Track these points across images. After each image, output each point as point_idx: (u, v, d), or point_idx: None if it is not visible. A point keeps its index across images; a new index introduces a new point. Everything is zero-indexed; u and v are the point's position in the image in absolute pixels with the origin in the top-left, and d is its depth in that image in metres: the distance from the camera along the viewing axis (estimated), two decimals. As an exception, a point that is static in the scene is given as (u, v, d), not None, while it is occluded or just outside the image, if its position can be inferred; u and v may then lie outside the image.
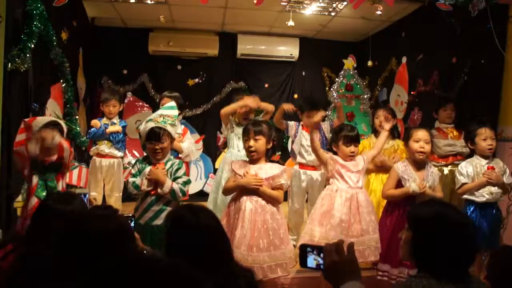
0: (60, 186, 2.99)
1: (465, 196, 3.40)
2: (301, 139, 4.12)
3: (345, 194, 3.21)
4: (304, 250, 1.39)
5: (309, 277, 3.24)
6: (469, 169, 3.37)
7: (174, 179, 3.01)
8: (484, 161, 3.37)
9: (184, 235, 1.60)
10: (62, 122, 3.14)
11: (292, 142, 4.29)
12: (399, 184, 3.28)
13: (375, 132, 4.15)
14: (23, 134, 3.06)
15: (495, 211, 3.38)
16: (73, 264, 1.29)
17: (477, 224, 3.25)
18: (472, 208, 3.37)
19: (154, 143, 3.01)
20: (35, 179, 2.92)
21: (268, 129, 3.11)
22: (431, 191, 3.21)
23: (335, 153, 3.38)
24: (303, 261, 1.40)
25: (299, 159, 4.12)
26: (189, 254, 1.50)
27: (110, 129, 4.51)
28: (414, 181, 3.17)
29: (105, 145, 4.55)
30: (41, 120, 3.05)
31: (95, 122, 4.52)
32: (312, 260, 1.38)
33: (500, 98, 3.98)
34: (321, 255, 1.35)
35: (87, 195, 2.62)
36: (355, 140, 3.31)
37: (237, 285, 1.49)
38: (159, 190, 2.96)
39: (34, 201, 2.89)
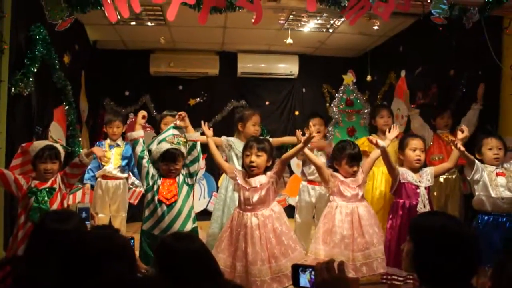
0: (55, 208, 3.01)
1: (476, 207, 3.39)
2: None
3: (345, 210, 3.21)
4: (296, 270, 1.42)
5: None
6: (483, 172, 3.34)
7: (190, 175, 3.15)
8: (493, 168, 3.35)
9: (171, 260, 1.65)
10: (58, 146, 3.18)
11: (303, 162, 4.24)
12: (399, 186, 3.36)
13: (376, 131, 4.16)
14: (19, 158, 3.10)
15: (509, 224, 3.29)
16: (72, 284, 1.30)
17: (489, 238, 3.19)
18: (484, 221, 3.32)
19: (169, 164, 3.06)
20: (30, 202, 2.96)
21: (270, 148, 3.15)
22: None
23: (335, 169, 3.38)
24: (296, 281, 1.43)
25: (309, 177, 4.13)
26: (178, 276, 1.58)
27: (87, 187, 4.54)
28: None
29: (112, 167, 4.58)
30: (37, 145, 3.09)
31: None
32: (305, 279, 1.40)
33: (498, 109, 4.00)
34: (312, 274, 1.37)
35: (88, 210, 2.63)
36: (358, 158, 3.33)
37: None
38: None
39: (28, 224, 2.92)
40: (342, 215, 3.20)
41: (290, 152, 3.20)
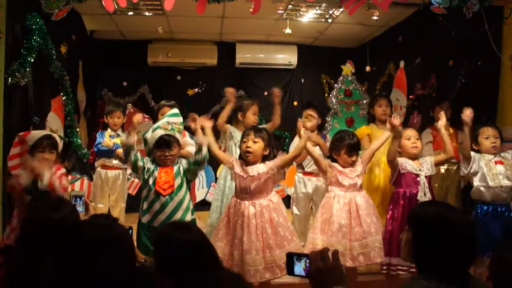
0: None
1: (475, 197, 3.39)
2: None
3: (342, 199, 3.21)
4: (291, 258, 1.42)
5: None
6: (481, 162, 3.34)
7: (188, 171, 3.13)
8: (491, 156, 3.35)
9: (170, 250, 1.64)
10: (56, 136, 3.15)
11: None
12: (399, 176, 3.37)
13: (374, 121, 4.14)
14: (17, 147, 3.06)
15: (507, 213, 3.30)
16: (68, 274, 1.28)
17: (488, 228, 3.19)
18: (484, 211, 3.32)
19: (164, 150, 3.06)
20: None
21: (268, 136, 3.14)
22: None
23: (333, 159, 3.36)
24: (290, 269, 1.43)
25: (307, 168, 4.13)
26: (177, 266, 1.58)
27: (119, 153, 4.52)
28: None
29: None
30: (35, 134, 3.05)
31: (107, 143, 4.52)
32: (299, 268, 1.40)
33: (497, 100, 3.99)
34: (307, 262, 1.38)
35: (82, 198, 2.60)
36: (357, 148, 3.32)
37: None
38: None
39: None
40: (339, 204, 3.20)
41: (294, 152, 3.21)
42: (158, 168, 3.10)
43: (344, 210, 3.17)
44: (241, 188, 3.08)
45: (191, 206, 3.19)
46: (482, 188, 3.32)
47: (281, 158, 3.10)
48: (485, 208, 3.32)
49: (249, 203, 3.02)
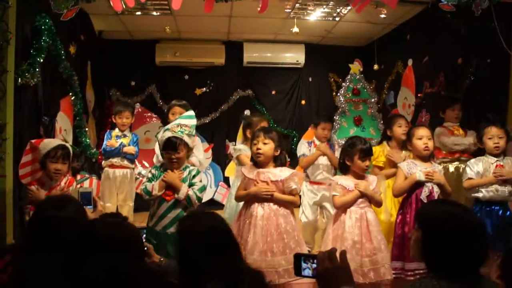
0: None
1: (472, 195, 3.39)
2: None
3: (354, 215, 3.13)
4: (298, 259, 1.42)
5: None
6: (479, 166, 3.34)
7: (190, 185, 3.07)
8: (493, 159, 3.34)
9: (193, 241, 1.62)
10: (69, 146, 3.13)
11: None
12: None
13: (388, 140, 4.04)
14: (28, 155, 3.02)
15: (502, 212, 3.29)
16: (75, 272, 1.29)
17: None
18: (477, 208, 3.33)
19: (170, 152, 3.05)
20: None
21: (278, 137, 3.12)
22: (442, 177, 3.22)
23: (346, 167, 3.28)
24: (297, 270, 1.43)
25: (312, 178, 4.11)
26: (200, 257, 1.55)
27: (126, 149, 4.56)
28: (420, 170, 3.21)
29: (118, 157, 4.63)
30: (48, 143, 3.02)
31: (111, 143, 4.57)
32: (307, 268, 1.40)
33: (507, 97, 3.95)
34: (315, 263, 1.38)
35: (90, 194, 2.57)
36: (370, 153, 3.27)
37: (245, 284, 1.51)
38: (176, 196, 3.02)
39: None
40: (352, 220, 3.12)
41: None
42: (166, 172, 3.08)
43: (356, 226, 3.10)
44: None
45: None
46: (479, 189, 3.32)
47: (291, 187, 3.05)
48: (479, 205, 3.34)
49: (258, 204, 3.01)
